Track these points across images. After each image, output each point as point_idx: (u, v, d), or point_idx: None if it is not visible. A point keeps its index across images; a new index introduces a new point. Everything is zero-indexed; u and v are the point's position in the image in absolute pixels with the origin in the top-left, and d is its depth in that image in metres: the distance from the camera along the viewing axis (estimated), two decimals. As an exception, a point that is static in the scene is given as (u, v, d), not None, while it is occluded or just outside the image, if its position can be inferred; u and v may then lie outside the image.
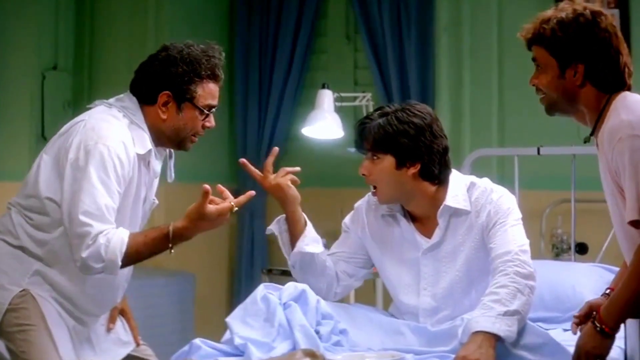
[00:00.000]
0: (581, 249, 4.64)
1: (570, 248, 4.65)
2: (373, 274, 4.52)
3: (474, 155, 4.76)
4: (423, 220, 3.14)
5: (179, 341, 3.56)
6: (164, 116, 3.02)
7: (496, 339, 2.73)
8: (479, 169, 4.46)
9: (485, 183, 3.14)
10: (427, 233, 3.12)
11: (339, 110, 5.04)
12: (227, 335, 2.95)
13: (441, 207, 3.08)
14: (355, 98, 5.18)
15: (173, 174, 3.27)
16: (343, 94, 5.10)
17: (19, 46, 5.98)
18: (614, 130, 2.59)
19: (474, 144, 4.99)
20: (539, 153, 4.58)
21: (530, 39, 2.73)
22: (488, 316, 2.77)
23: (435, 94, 5.22)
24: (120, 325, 3.26)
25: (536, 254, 3.96)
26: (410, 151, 3.03)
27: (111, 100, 3.07)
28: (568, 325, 3.66)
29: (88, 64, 6.21)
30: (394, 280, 3.19)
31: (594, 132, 2.72)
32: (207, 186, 2.94)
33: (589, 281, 3.86)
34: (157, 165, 3.12)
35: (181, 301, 5.54)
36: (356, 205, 3.30)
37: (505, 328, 2.75)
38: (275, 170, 6.16)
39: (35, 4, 5.96)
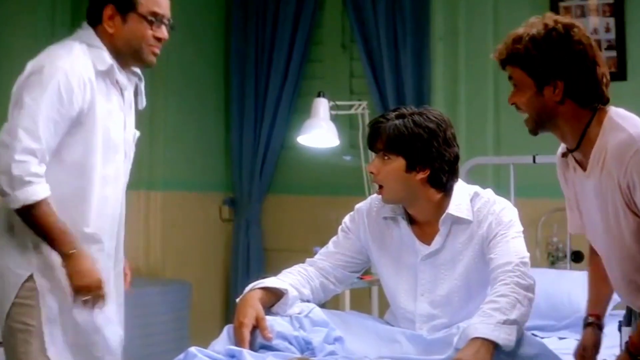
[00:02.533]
0: (577, 257, 4.64)
1: (565, 256, 4.66)
2: (368, 283, 4.55)
3: (469, 163, 4.78)
4: (423, 226, 3.14)
5: (174, 350, 3.55)
6: (111, 30, 3.08)
7: (494, 346, 2.73)
8: (475, 177, 4.47)
9: (488, 194, 3.15)
10: (427, 239, 3.12)
11: (334, 118, 5.05)
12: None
13: (444, 214, 3.08)
14: (351, 106, 5.19)
15: (145, 100, 3.28)
16: (339, 103, 5.11)
17: (15, 57, 5.96)
18: (626, 145, 2.51)
19: (469, 152, 4.99)
20: (534, 161, 4.59)
21: (503, 60, 2.63)
22: (487, 323, 2.76)
23: (430, 102, 5.23)
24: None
25: (532, 262, 3.95)
26: (421, 156, 3.02)
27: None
28: (563, 333, 3.70)
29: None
30: (391, 284, 3.18)
31: (578, 146, 2.64)
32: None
33: (585, 290, 3.86)
34: (124, 79, 3.13)
35: (177, 310, 5.54)
36: (357, 206, 3.28)
37: (504, 336, 2.75)
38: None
39: (31, 14, 5.96)
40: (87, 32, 3.12)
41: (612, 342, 2.97)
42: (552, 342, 3.45)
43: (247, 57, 6.03)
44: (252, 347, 2.91)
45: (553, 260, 4.76)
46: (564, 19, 2.64)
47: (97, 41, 3.08)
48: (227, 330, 2.99)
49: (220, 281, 6.15)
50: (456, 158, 3.09)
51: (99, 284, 3.00)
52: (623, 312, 2.96)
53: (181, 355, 2.85)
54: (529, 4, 5.04)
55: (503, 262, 2.96)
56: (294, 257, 3.40)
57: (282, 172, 6.07)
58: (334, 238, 3.28)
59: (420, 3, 5.35)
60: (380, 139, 3.06)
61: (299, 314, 3.04)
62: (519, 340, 2.80)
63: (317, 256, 3.26)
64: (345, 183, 5.54)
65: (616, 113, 2.61)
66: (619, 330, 2.88)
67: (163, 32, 3.12)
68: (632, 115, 2.62)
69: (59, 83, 2.94)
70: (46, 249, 3.00)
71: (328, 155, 5.44)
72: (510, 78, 2.66)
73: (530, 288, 2.91)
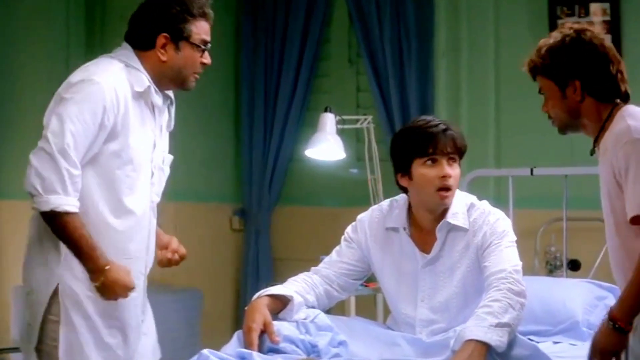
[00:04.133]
0: (574, 265, 4.72)
1: (562, 265, 4.76)
2: (373, 290, 4.66)
3: (470, 175, 4.87)
4: (423, 235, 3.28)
5: (187, 356, 3.68)
6: (164, 58, 3.16)
7: (487, 348, 2.86)
8: (475, 189, 4.57)
9: (484, 205, 3.30)
10: (426, 248, 3.26)
11: (341, 132, 5.10)
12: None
13: (441, 222, 3.23)
14: (357, 120, 5.26)
15: (173, 123, 3.36)
16: (345, 117, 5.16)
17: (30, 67, 6.05)
18: (621, 134, 2.73)
19: (471, 165, 5.10)
20: (532, 173, 4.70)
21: (531, 72, 2.92)
22: (481, 326, 2.90)
23: (434, 115, 5.32)
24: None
25: (530, 271, 4.06)
26: None
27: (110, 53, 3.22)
28: (558, 338, 3.81)
29: (98, 86, 6.31)
30: (392, 290, 3.32)
31: (597, 141, 2.86)
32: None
33: (579, 296, 3.97)
34: (159, 101, 3.20)
35: (189, 317, 5.60)
36: (359, 217, 3.42)
37: (496, 338, 2.88)
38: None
39: (46, 26, 6.01)
40: (127, 52, 3.17)
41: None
42: (547, 346, 3.55)
43: (257, 72, 6.10)
44: (261, 350, 3.04)
45: (551, 268, 4.82)
46: (578, 24, 2.91)
47: (137, 63, 3.14)
48: (237, 335, 3.12)
49: (230, 289, 6.22)
50: None
51: (125, 293, 3.10)
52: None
53: (194, 357, 2.96)
54: (528, 22, 5.13)
55: (497, 269, 3.10)
56: (301, 266, 3.50)
57: (291, 183, 6.13)
58: (337, 247, 3.41)
59: (424, 20, 5.43)
60: (455, 144, 3.26)
61: (304, 319, 3.17)
62: (512, 343, 2.94)
63: (321, 265, 3.39)
64: (351, 195, 5.60)
65: (627, 109, 2.83)
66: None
67: (208, 58, 3.25)
68: None
69: (95, 97, 2.99)
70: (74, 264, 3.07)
71: (335, 168, 5.51)
72: (540, 90, 2.92)
73: (522, 294, 3.04)
